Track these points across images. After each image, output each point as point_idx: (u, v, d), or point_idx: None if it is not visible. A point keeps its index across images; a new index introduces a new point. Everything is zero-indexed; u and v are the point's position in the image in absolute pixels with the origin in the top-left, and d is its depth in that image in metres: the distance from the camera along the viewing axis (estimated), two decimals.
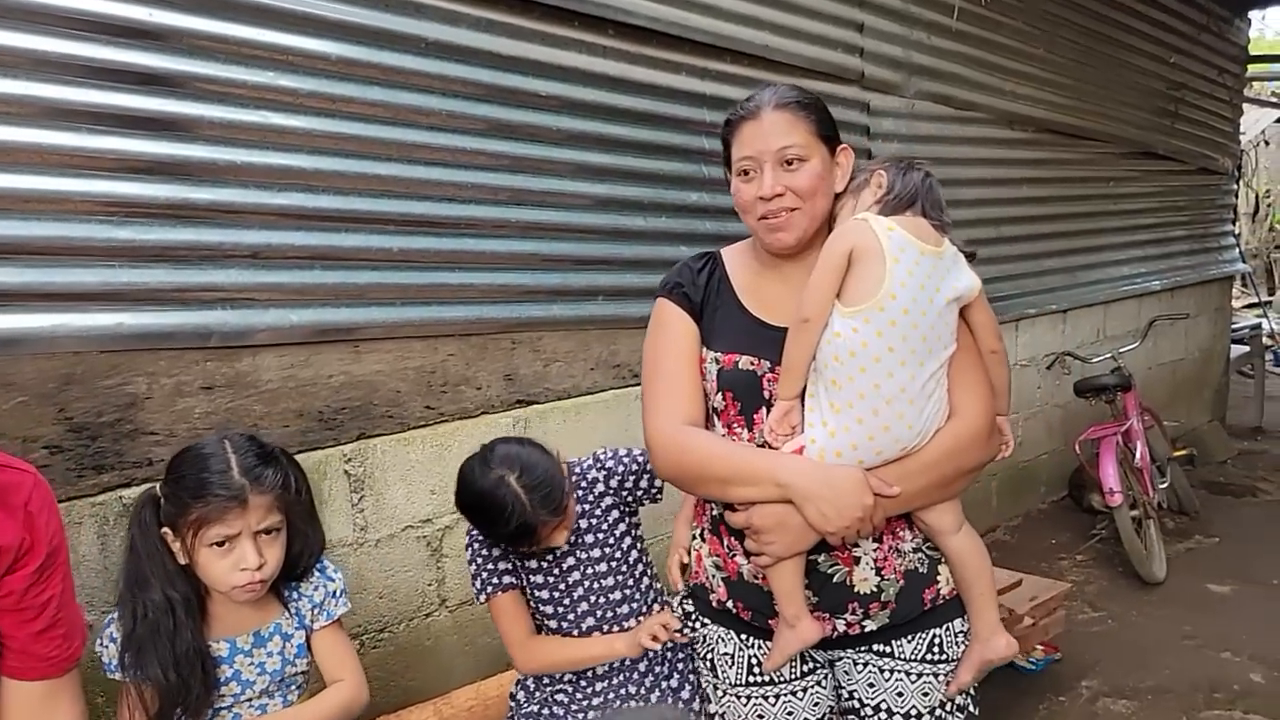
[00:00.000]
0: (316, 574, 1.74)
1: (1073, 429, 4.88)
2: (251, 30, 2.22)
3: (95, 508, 2.04)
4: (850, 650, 1.62)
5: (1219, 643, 3.69)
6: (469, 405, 2.70)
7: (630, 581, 1.94)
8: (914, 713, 1.60)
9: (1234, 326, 7.79)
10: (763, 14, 3.40)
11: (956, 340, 1.53)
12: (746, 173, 1.55)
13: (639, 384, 1.72)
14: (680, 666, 1.96)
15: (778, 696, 1.65)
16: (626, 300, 3.04)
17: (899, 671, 1.60)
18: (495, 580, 1.90)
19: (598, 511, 1.93)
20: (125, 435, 2.09)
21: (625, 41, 3.00)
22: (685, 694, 1.93)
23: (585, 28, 2.89)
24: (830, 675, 1.68)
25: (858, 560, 1.54)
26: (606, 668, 1.93)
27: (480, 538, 1.90)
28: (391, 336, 2.52)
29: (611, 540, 1.92)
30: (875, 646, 1.60)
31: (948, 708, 1.62)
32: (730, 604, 1.64)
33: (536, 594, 1.92)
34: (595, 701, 1.93)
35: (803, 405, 1.50)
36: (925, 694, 1.60)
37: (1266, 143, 13.58)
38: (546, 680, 1.98)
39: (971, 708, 1.67)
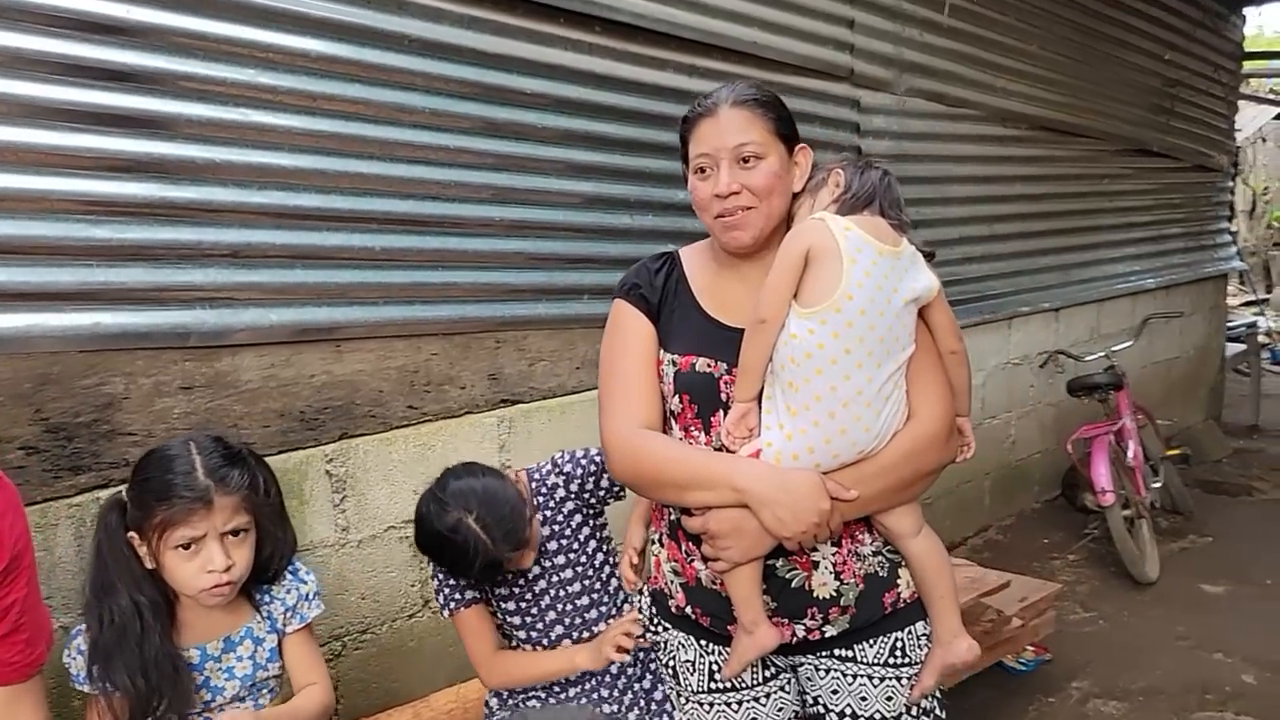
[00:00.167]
0: (289, 576, 1.72)
1: (1066, 428, 4.87)
2: (231, 27, 2.20)
3: (72, 509, 2.02)
4: (812, 655, 1.61)
5: (1212, 643, 3.68)
6: (453, 405, 2.69)
7: (598, 586, 1.92)
8: (878, 717, 1.58)
9: (1230, 324, 7.78)
10: (751, 10, 3.39)
11: (915, 341, 1.51)
12: (703, 170, 1.54)
13: None
14: (653, 667, 1.95)
15: (740, 703, 1.63)
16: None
17: (862, 676, 1.58)
18: (459, 595, 1.89)
19: (559, 518, 1.91)
20: (102, 436, 2.07)
21: (611, 38, 2.98)
22: (658, 695, 1.92)
23: (571, 24, 2.87)
24: (794, 681, 1.67)
25: (816, 565, 1.52)
26: (579, 673, 1.91)
27: None
28: (374, 336, 2.50)
29: (576, 546, 1.91)
30: (837, 651, 1.59)
31: (913, 712, 1.60)
32: (689, 610, 1.62)
33: (503, 606, 1.91)
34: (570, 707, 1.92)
35: (760, 408, 1.49)
36: (889, 698, 1.58)
37: (1264, 140, 13.56)
38: (520, 688, 1.97)
39: (939, 711, 1.65)
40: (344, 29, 2.39)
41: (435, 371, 2.65)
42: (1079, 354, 5.02)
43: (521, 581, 1.87)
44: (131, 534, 1.54)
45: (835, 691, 1.59)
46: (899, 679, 1.58)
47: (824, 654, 1.59)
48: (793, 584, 1.52)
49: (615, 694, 1.91)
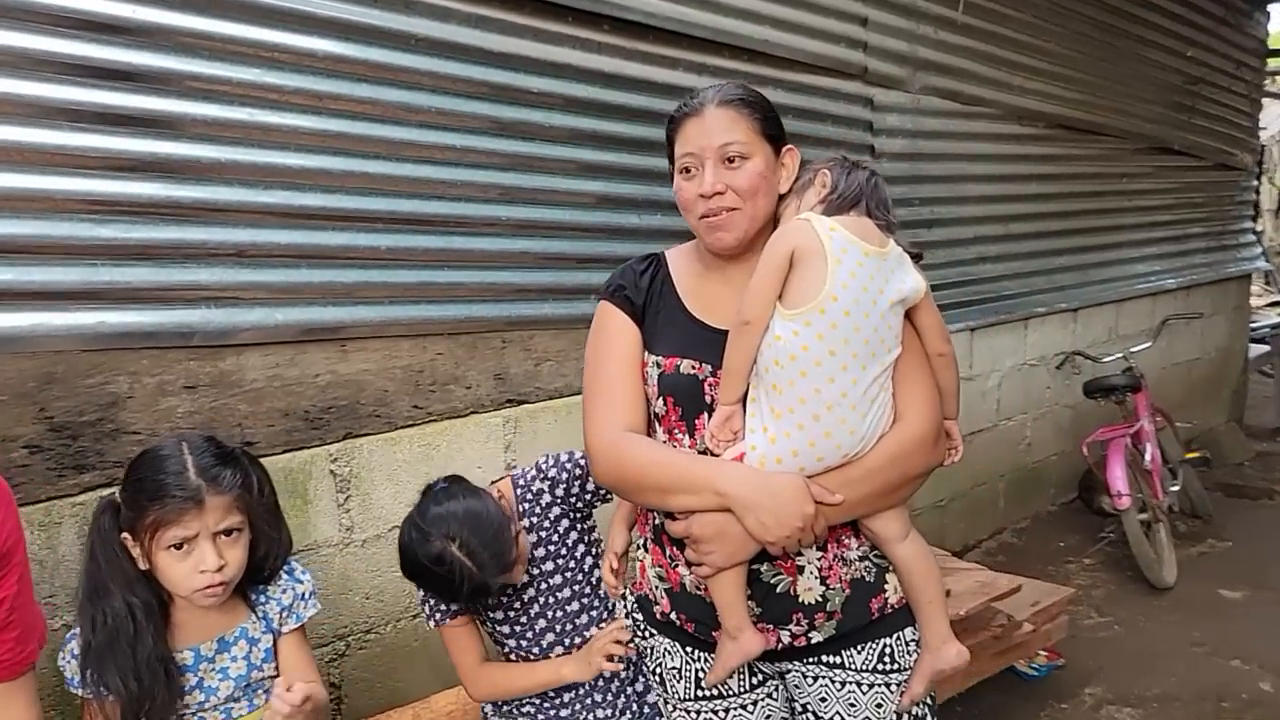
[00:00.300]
0: (285, 576, 1.72)
1: (1083, 430, 4.81)
2: (237, 27, 2.20)
3: (76, 508, 2.03)
4: (799, 662, 1.58)
5: (1229, 650, 3.63)
6: (458, 405, 2.68)
7: (588, 590, 1.91)
8: None
9: (1253, 325, 7.68)
10: (763, 8, 3.36)
11: (902, 343, 1.50)
12: (688, 170, 1.53)
13: None
14: (646, 671, 1.93)
15: (728, 710, 1.61)
16: None
17: (850, 682, 1.56)
18: (444, 607, 1.88)
19: (546, 524, 1.89)
20: (106, 435, 2.08)
21: (621, 37, 2.96)
22: (651, 698, 1.90)
23: (580, 23, 2.85)
24: (781, 687, 1.65)
25: (801, 569, 1.50)
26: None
27: None
28: (379, 335, 2.50)
29: (564, 552, 1.89)
30: (824, 657, 1.56)
31: (904, 719, 1.58)
32: (674, 616, 1.60)
33: (492, 617, 1.90)
34: (564, 714, 1.91)
35: (745, 411, 1.47)
36: (879, 705, 1.56)
37: None
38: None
39: (930, 717, 1.63)
40: (351, 28, 2.38)
41: (441, 371, 2.64)
42: (1096, 355, 4.97)
43: (510, 591, 1.85)
44: (124, 535, 1.54)
45: (824, 699, 1.57)
46: (888, 685, 1.56)
47: (811, 660, 1.57)
48: (777, 589, 1.51)
49: (608, 699, 1.90)
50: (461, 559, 1.68)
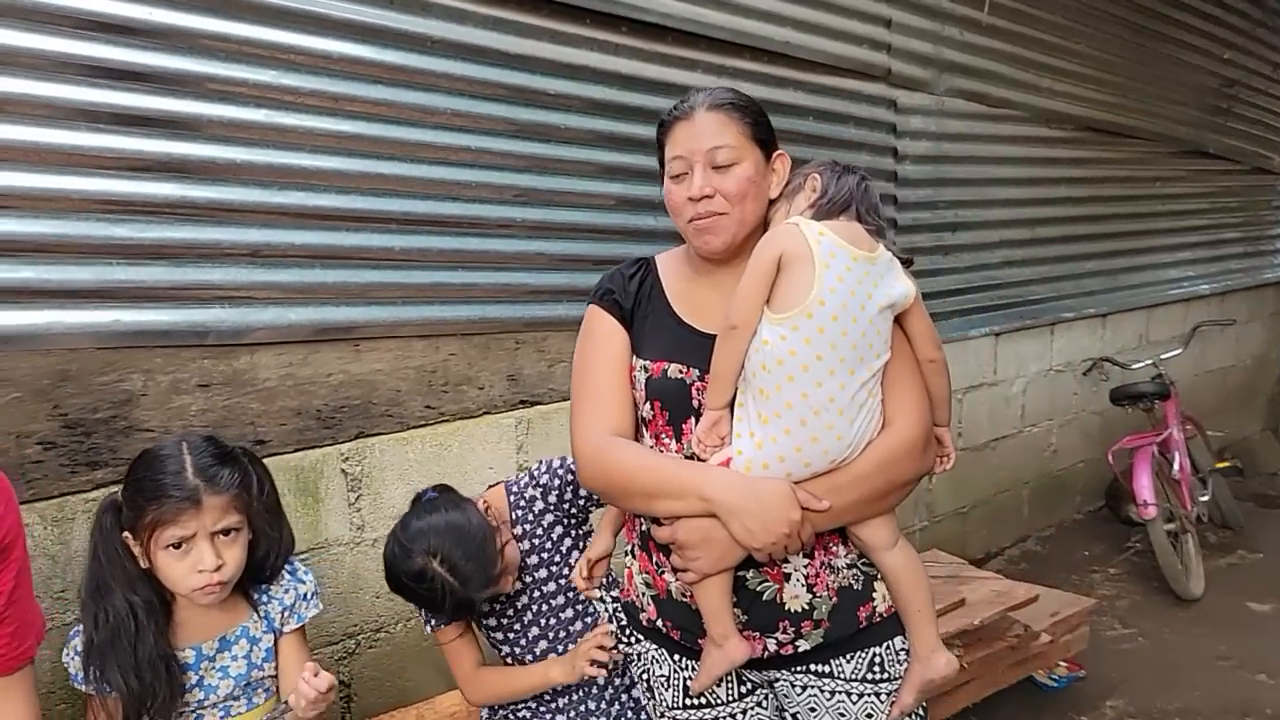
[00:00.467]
0: (287, 576, 1.73)
1: (1111, 437, 4.73)
2: (254, 29, 2.22)
3: (88, 504, 2.05)
4: (787, 671, 1.57)
5: (1255, 664, 3.55)
6: (470, 405, 2.69)
7: (583, 595, 1.90)
8: None
9: None
10: (783, 10, 3.34)
11: (892, 349, 1.48)
12: (677, 174, 1.52)
13: None
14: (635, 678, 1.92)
15: (716, 719, 1.60)
16: None
17: (840, 692, 1.54)
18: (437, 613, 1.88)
19: (539, 531, 1.89)
20: (120, 432, 2.10)
21: (639, 39, 2.96)
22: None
23: (597, 25, 2.85)
24: (771, 696, 1.63)
25: (788, 577, 1.49)
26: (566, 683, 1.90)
27: None
28: (392, 335, 2.51)
29: (558, 558, 1.88)
30: (813, 666, 1.54)
31: None
32: (660, 623, 1.59)
33: (486, 623, 1.90)
34: (559, 719, 1.90)
35: (732, 415, 1.46)
36: (869, 715, 1.54)
37: None
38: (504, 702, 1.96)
39: None
40: (367, 30, 2.40)
41: (454, 372, 2.65)
42: (1125, 362, 4.89)
43: (504, 599, 1.85)
44: (126, 534, 1.56)
45: (813, 709, 1.55)
46: (878, 695, 1.54)
47: (799, 669, 1.55)
48: (764, 596, 1.49)
49: (604, 705, 1.89)
50: (443, 575, 1.68)
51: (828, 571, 1.50)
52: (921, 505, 4.20)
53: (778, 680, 1.59)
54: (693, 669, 1.58)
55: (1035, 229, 4.67)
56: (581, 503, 1.90)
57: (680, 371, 1.51)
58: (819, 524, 1.43)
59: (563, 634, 1.88)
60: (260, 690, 1.69)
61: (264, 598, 1.70)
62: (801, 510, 1.39)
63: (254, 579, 1.67)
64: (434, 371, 2.61)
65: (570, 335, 2.87)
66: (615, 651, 1.74)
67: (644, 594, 1.62)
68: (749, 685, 1.61)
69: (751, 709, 1.61)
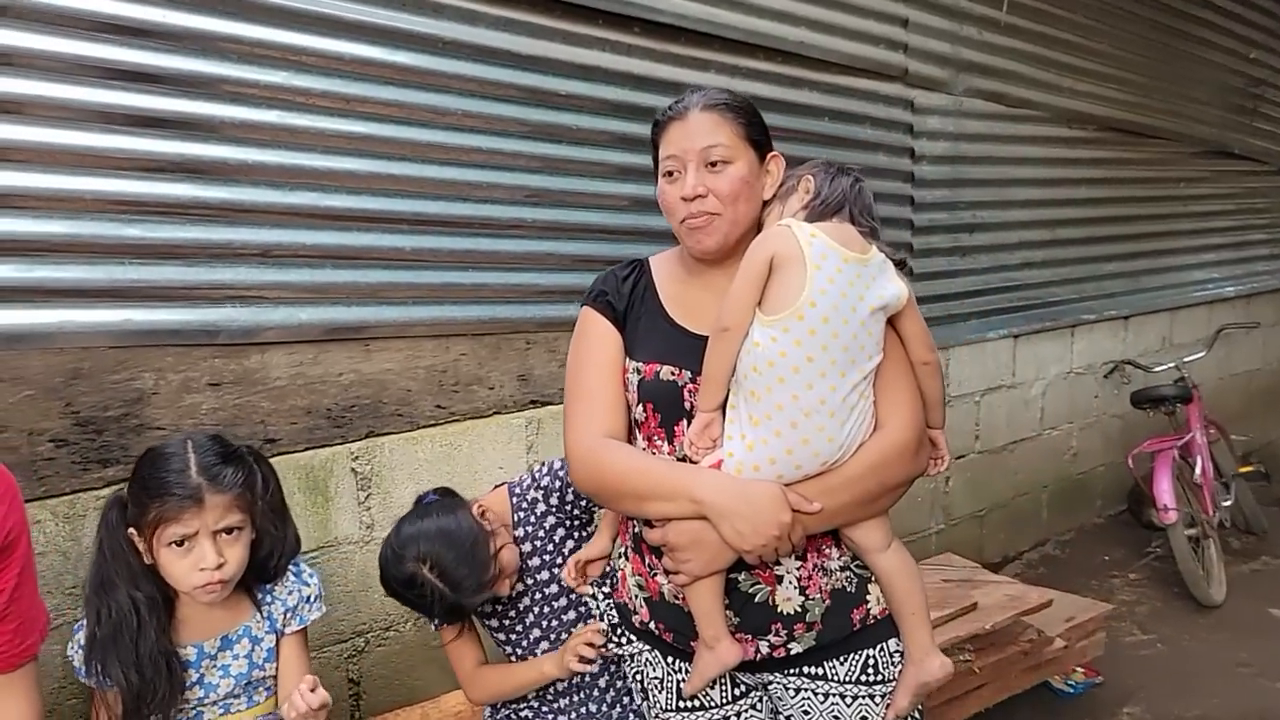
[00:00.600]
0: (291, 577, 1.74)
1: (1132, 440, 4.67)
2: (266, 31, 2.24)
3: (99, 501, 2.05)
4: (781, 674, 1.56)
5: (1276, 672, 3.49)
6: (481, 405, 2.69)
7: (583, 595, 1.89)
8: None
9: None
10: (798, 9, 3.32)
11: (884, 351, 1.47)
12: (671, 173, 1.51)
13: None
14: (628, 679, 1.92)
15: None
16: None
17: (834, 695, 1.53)
18: None
19: (541, 533, 1.88)
20: (131, 430, 2.12)
21: (652, 39, 2.95)
22: None
23: (609, 25, 2.85)
24: (765, 699, 1.62)
25: (780, 579, 1.48)
26: (567, 684, 1.90)
27: None
28: (403, 335, 2.52)
29: (559, 561, 1.88)
30: (806, 669, 1.53)
31: None
32: (652, 625, 1.59)
33: (488, 624, 1.90)
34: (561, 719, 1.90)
35: (724, 417, 1.45)
36: (863, 717, 1.53)
37: None
38: (511, 699, 1.96)
39: None
40: (379, 32, 2.41)
41: (464, 371, 2.66)
42: (1147, 364, 4.83)
43: (505, 600, 1.86)
44: (130, 531, 1.57)
45: (807, 711, 1.54)
46: (872, 698, 1.53)
47: (793, 672, 1.55)
48: (756, 599, 1.49)
49: (604, 708, 1.89)
50: (433, 580, 1.69)
51: (820, 574, 1.50)
52: (938, 508, 4.17)
53: (772, 683, 1.58)
54: (686, 671, 1.57)
55: (1055, 230, 4.63)
56: (583, 504, 1.90)
57: (672, 374, 1.51)
58: (810, 526, 1.43)
59: (564, 634, 1.88)
60: (261, 690, 1.70)
61: (267, 598, 1.71)
62: (792, 512, 1.38)
63: (258, 578, 1.68)
64: (444, 371, 2.62)
65: None
66: (604, 649, 1.74)
67: (637, 596, 1.61)
68: (743, 688, 1.61)
69: (746, 712, 1.60)
